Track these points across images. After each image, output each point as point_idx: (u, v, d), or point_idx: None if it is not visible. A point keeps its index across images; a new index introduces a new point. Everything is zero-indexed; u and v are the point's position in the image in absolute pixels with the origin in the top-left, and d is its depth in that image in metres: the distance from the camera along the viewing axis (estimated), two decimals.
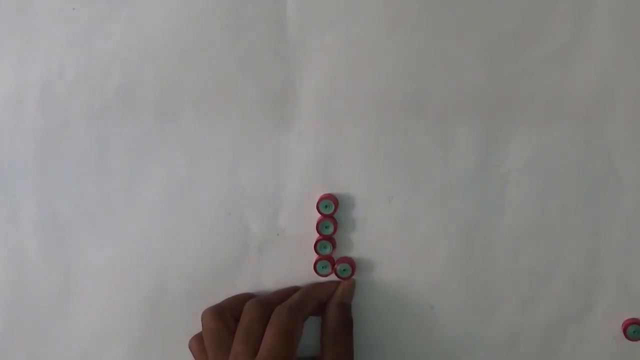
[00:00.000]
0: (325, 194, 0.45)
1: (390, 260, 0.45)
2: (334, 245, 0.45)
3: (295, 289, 0.45)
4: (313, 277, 0.45)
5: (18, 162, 0.48)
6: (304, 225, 0.45)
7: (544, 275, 0.43)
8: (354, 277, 0.45)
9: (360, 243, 0.45)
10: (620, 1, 0.42)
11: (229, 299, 0.45)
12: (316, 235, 0.45)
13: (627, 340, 0.43)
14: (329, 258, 0.45)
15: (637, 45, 0.42)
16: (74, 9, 0.47)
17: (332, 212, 0.44)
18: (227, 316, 0.43)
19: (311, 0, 0.44)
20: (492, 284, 0.44)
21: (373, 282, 0.45)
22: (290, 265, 0.46)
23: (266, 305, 0.42)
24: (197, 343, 0.44)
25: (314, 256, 0.45)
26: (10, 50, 0.48)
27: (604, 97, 0.42)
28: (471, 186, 0.44)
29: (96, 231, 0.48)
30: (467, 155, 0.44)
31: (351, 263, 0.45)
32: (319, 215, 0.45)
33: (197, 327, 0.45)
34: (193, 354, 0.44)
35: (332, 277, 0.45)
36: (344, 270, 0.45)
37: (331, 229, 0.44)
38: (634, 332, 0.42)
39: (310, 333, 0.44)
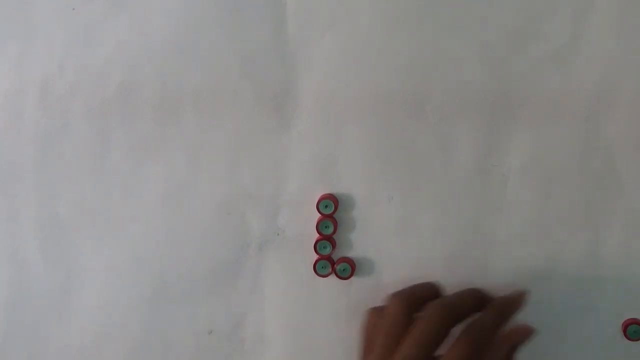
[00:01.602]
0: (325, 194, 0.45)
1: (390, 260, 0.45)
2: (333, 245, 0.45)
3: (476, 293, 0.41)
4: (313, 277, 0.45)
5: (18, 162, 0.48)
6: (304, 225, 0.45)
7: (544, 275, 0.43)
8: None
9: (360, 243, 0.45)
10: (620, 1, 0.42)
11: (416, 288, 0.42)
12: (316, 235, 0.45)
13: (627, 340, 0.43)
14: (328, 258, 0.45)
15: (637, 45, 0.42)
16: (74, 9, 0.47)
17: (332, 212, 0.44)
18: (413, 310, 0.40)
19: (311, 0, 0.44)
20: (492, 284, 0.44)
21: (373, 282, 0.45)
22: (290, 265, 0.46)
23: (453, 315, 0.39)
24: (375, 317, 0.41)
25: (314, 256, 0.45)
26: (10, 50, 0.48)
27: (604, 96, 0.42)
28: (471, 186, 0.44)
29: (96, 231, 0.48)
30: (467, 155, 0.44)
31: (351, 263, 0.45)
32: (319, 215, 0.45)
33: (197, 327, 0.45)
34: (365, 323, 0.42)
35: (332, 277, 0.45)
36: (343, 270, 0.45)
37: (331, 229, 0.44)
38: (634, 332, 0.42)
39: None
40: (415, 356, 0.37)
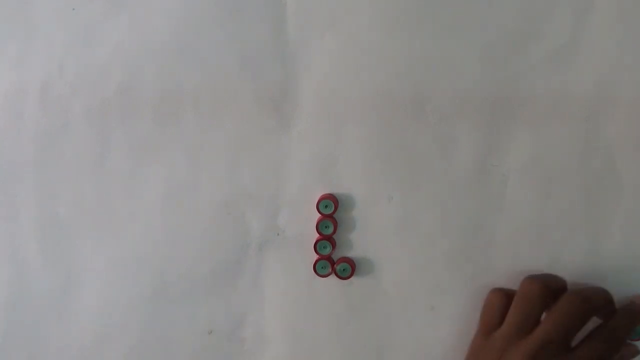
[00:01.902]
0: (325, 194, 0.45)
1: (390, 260, 0.45)
2: (333, 245, 0.45)
3: (605, 294, 0.40)
4: (313, 277, 0.45)
5: (18, 162, 0.48)
6: (304, 225, 0.45)
7: None
8: (353, 278, 0.45)
9: (360, 243, 0.45)
10: (620, 1, 0.42)
11: (552, 277, 0.42)
12: (316, 235, 0.45)
13: (627, 340, 0.43)
14: (328, 258, 0.45)
15: (637, 45, 0.42)
16: (74, 9, 0.47)
17: (332, 212, 0.44)
18: (551, 297, 0.40)
19: (311, 0, 0.44)
20: (492, 284, 0.44)
21: (373, 282, 0.45)
22: (290, 265, 0.46)
23: (591, 309, 0.39)
24: (502, 297, 0.42)
25: (314, 256, 0.45)
26: (10, 50, 0.48)
27: (604, 96, 0.42)
28: (471, 186, 0.44)
29: (96, 231, 0.48)
30: (467, 155, 0.44)
31: (351, 263, 0.45)
32: (319, 215, 0.45)
33: (197, 327, 0.45)
34: (489, 301, 0.42)
35: (332, 277, 0.45)
36: (343, 270, 0.45)
37: (331, 229, 0.44)
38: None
39: None
40: (555, 339, 0.38)
